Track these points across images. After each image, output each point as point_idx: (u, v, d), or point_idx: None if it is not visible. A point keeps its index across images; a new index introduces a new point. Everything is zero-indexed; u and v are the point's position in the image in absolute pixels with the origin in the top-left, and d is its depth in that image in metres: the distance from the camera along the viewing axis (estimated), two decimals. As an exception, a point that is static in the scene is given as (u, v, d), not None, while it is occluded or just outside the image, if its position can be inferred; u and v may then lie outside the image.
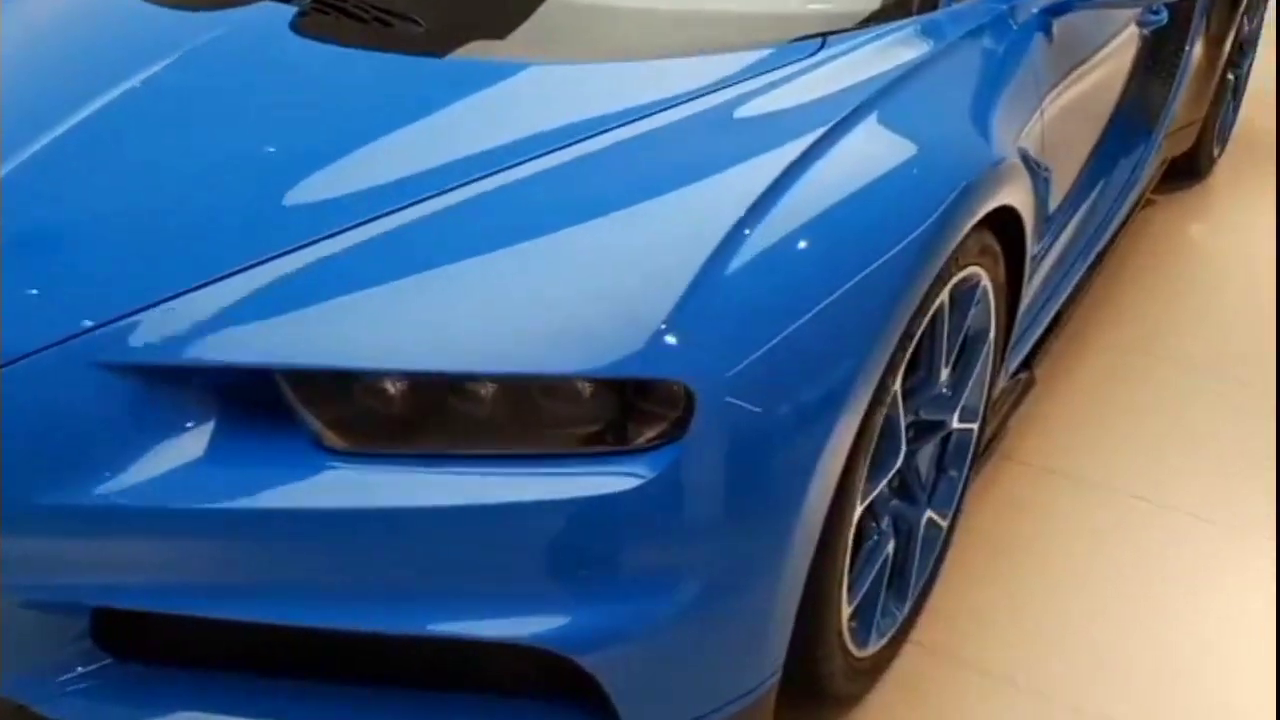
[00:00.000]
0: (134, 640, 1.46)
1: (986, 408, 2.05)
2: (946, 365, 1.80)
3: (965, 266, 1.71)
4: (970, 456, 2.05)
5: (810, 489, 1.42)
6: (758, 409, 1.37)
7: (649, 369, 1.34)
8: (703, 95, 1.68)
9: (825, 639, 1.63)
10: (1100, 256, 3.01)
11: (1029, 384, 2.46)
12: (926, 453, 1.95)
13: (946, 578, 2.13)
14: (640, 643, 1.38)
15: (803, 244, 1.46)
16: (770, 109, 1.68)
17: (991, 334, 1.93)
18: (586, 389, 1.36)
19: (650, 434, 1.35)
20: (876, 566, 1.76)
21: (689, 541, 1.37)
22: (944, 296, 1.67)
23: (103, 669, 1.44)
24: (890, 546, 1.79)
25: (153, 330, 1.36)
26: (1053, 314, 2.55)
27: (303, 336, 1.36)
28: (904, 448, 1.71)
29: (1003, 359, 2.08)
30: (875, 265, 1.47)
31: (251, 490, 1.35)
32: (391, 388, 1.37)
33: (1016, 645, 2.03)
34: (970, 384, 1.93)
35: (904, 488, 1.88)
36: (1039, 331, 2.45)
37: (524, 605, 1.36)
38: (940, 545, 2.03)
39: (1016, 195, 1.83)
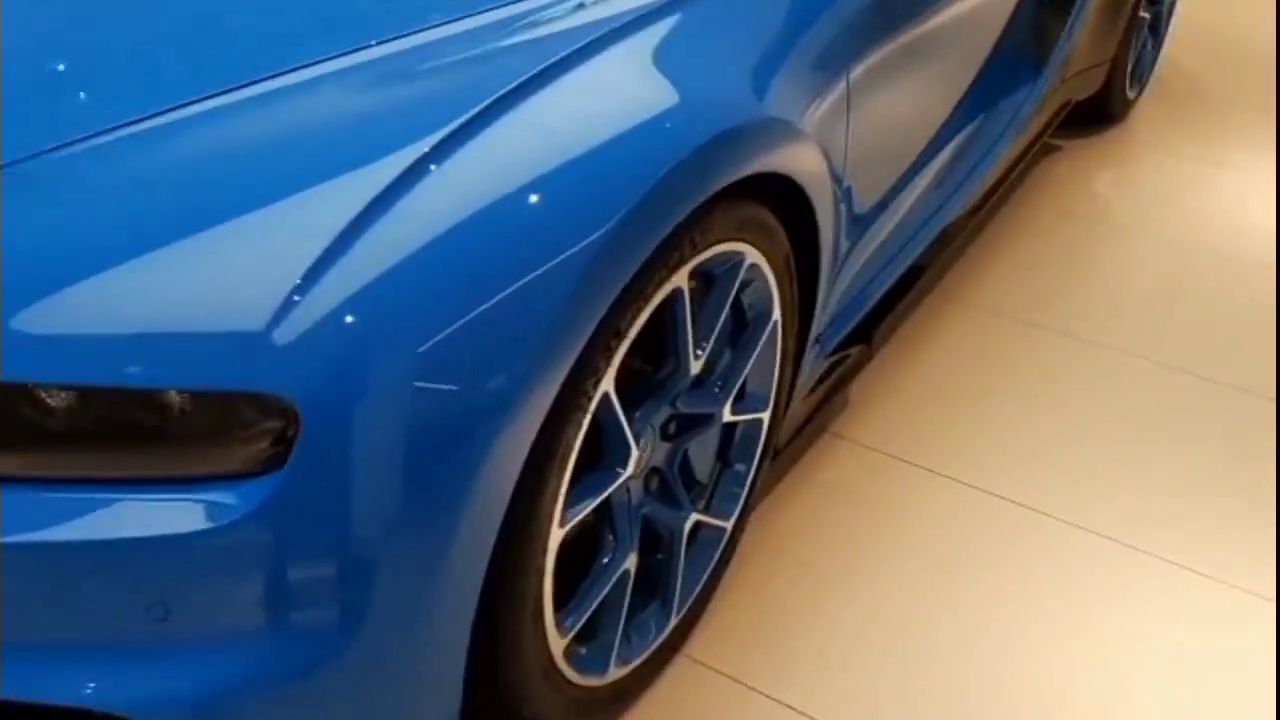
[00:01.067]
0: None
1: (780, 395, 1.81)
2: (699, 355, 1.55)
3: (712, 245, 1.46)
4: (760, 449, 1.81)
5: (466, 516, 1.18)
6: (388, 430, 1.13)
7: (243, 380, 1.09)
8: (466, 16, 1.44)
9: (523, 678, 1.40)
10: (977, 210, 2.75)
11: (862, 359, 2.22)
12: (702, 447, 1.72)
13: (742, 578, 1.91)
14: (237, 711, 1.16)
15: (468, 224, 1.20)
16: (521, 38, 1.43)
17: (776, 315, 1.68)
18: (179, 402, 1.11)
19: (249, 459, 1.11)
20: (610, 583, 1.53)
21: (296, 588, 1.14)
22: (679, 281, 1.42)
23: None
24: (631, 560, 1.56)
25: None
26: (895, 279, 2.29)
27: None
28: (634, 452, 1.47)
29: (801, 341, 1.83)
30: (563, 256, 1.22)
31: None
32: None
33: (811, 661, 1.81)
34: (747, 371, 1.68)
35: (663, 489, 1.65)
36: (873, 302, 2.21)
37: (92, 661, 1.13)
38: (723, 548, 1.80)
39: (796, 161, 1.57)
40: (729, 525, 1.80)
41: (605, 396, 1.36)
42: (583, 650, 1.53)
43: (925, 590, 1.95)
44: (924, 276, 2.52)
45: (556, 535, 1.36)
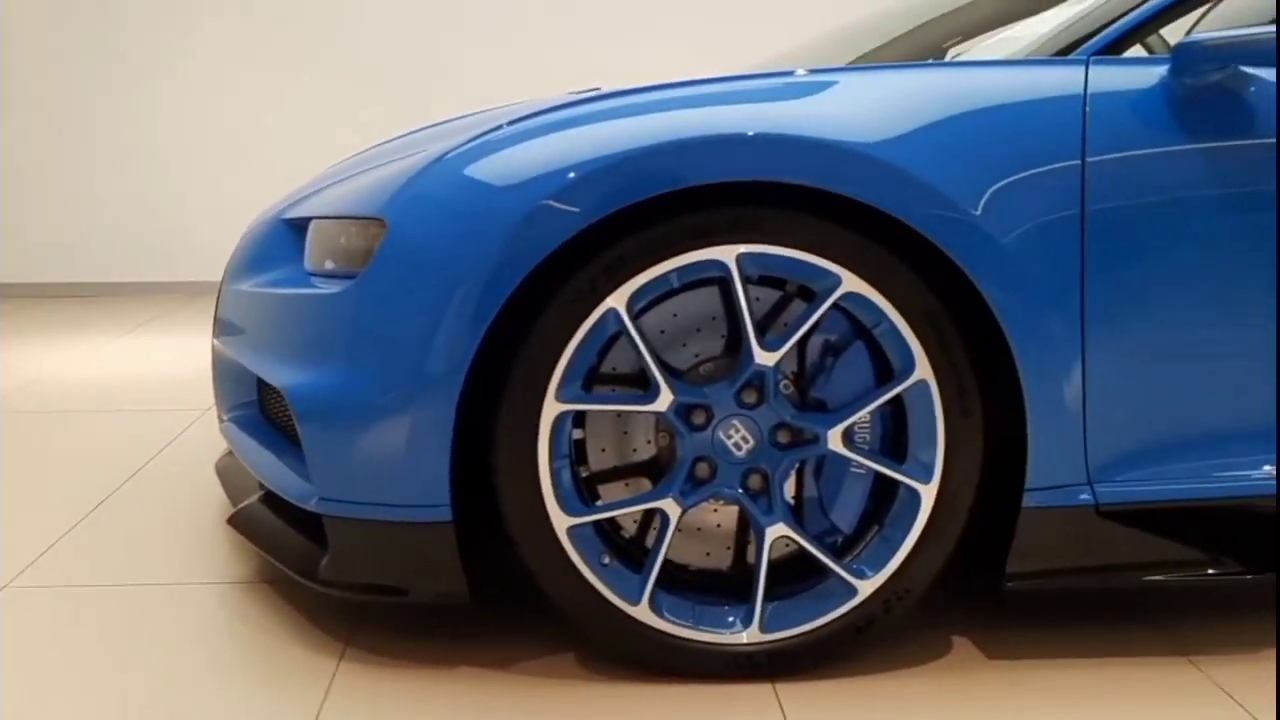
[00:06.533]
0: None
1: (957, 480, 1.79)
2: (768, 350, 1.78)
3: (777, 244, 1.76)
4: (920, 527, 1.81)
5: (442, 332, 1.75)
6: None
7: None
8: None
9: (516, 519, 1.79)
10: None
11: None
12: (839, 488, 1.86)
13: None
14: (320, 409, 1.87)
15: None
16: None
17: (921, 377, 1.77)
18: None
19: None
20: (637, 505, 1.84)
21: (358, 341, 1.83)
22: (720, 256, 1.75)
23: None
24: (671, 507, 1.81)
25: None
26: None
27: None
28: (663, 391, 1.78)
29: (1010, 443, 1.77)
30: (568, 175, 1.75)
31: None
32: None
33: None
34: (869, 412, 1.81)
35: (763, 493, 1.83)
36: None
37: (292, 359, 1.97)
38: (850, 610, 1.83)
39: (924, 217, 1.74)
40: (860, 586, 1.81)
41: (615, 314, 1.75)
42: (610, 562, 1.82)
43: None
44: None
45: (552, 405, 1.77)
